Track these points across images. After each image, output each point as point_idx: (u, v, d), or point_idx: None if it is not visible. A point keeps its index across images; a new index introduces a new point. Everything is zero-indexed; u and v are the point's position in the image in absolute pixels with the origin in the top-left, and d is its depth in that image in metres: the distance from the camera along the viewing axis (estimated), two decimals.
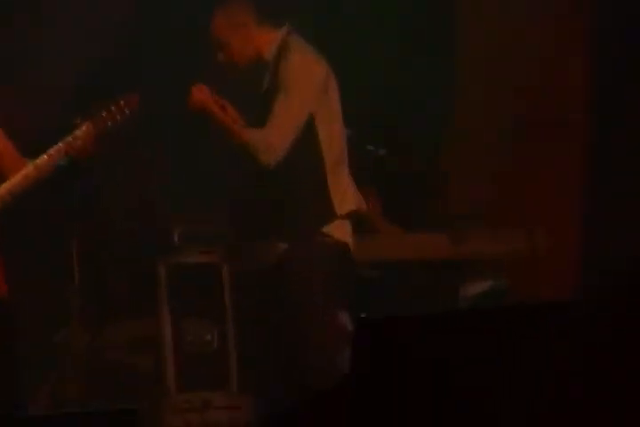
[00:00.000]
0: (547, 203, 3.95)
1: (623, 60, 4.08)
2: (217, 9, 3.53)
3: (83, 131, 3.26)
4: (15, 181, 3.20)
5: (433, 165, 4.39)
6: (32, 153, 3.20)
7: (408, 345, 2.03)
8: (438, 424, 2.01)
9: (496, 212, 3.94)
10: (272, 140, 3.35)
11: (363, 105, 4.14)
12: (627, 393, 2.06)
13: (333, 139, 3.45)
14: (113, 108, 3.33)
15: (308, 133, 3.40)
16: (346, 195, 3.44)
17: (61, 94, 3.78)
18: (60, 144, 3.25)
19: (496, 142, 4.12)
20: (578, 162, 4.02)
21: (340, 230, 3.40)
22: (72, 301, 3.51)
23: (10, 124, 3.14)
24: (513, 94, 4.09)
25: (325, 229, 3.37)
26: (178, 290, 3.76)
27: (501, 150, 4.11)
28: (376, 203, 4.03)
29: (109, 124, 3.32)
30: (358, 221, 3.51)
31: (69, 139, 3.25)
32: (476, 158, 4.32)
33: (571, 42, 4.20)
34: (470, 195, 4.22)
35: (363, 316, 1.95)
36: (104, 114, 3.31)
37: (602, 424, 2.08)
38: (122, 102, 3.36)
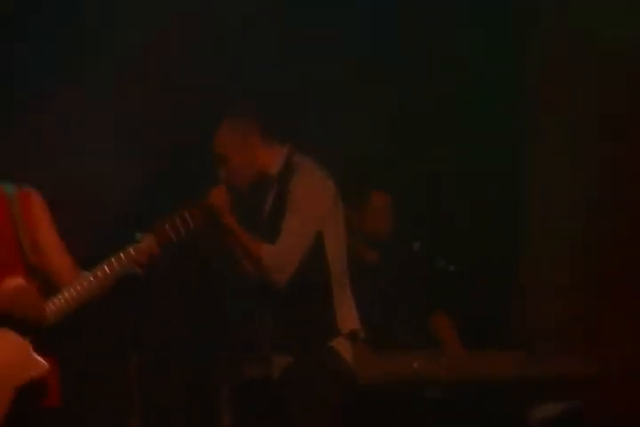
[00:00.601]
0: (624, 321, 3.79)
1: None
2: (222, 124, 3.58)
3: (145, 243, 3.28)
4: (75, 291, 3.23)
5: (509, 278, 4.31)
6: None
7: None
8: None
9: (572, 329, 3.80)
10: (284, 260, 3.41)
11: (433, 217, 4.12)
12: None
13: (337, 252, 3.49)
14: (178, 221, 3.35)
15: (317, 250, 3.45)
16: (349, 313, 3.46)
17: (119, 209, 3.86)
18: (122, 255, 3.27)
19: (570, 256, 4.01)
20: None
21: (344, 347, 3.41)
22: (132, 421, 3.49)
23: (68, 240, 3.19)
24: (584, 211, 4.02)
25: (330, 344, 3.39)
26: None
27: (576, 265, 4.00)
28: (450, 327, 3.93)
29: (173, 236, 3.34)
30: None
31: (131, 251, 3.27)
32: (552, 272, 4.21)
33: None
34: (545, 310, 4.09)
35: None
36: (167, 227, 3.34)
37: None
38: (186, 215, 3.39)
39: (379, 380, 3.65)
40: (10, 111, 4.04)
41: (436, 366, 3.50)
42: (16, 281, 3.18)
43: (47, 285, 3.23)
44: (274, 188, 3.54)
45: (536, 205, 4.15)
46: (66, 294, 3.20)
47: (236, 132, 3.61)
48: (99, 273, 3.23)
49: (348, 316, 3.45)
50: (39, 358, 3.13)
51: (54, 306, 3.18)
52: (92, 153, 3.88)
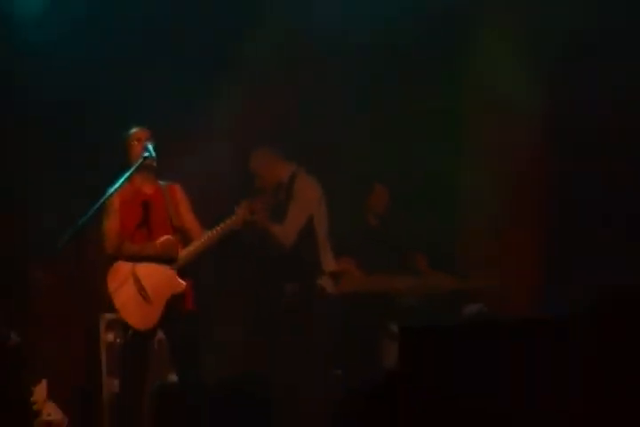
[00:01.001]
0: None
1: None
2: (257, 152, 5.91)
3: (239, 215, 5.44)
4: (199, 242, 5.40)
5: None
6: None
7: (443, 349, 2.71)
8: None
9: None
10: (288, 232, 5.74)
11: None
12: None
13: (321, 226, 5.87)
14: (256, 202, 5.48)
15: (309, 225, 5.80)
16: (330, 261, 5.85)
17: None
18: (226, 221, 5.44)
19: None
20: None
21: (327, 281, 5.80)
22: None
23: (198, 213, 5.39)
24: None
25: (319, 280, 5.76)
26: None
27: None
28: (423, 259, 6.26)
29: (251, 213, 5.47)
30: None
31: (231, 217, 5.45)
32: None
33: None
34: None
35: (406, 326, 2.94)
36: (249, 206, 5.47)
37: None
38: (259, 201, 5.53)
39: (364, 297, 5.97)
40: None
41: (412, 281, 5.84)
42: (165, 237, 5.37)
43: (184, 239, 5.43)
44: (284, 189, 5.90)
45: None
46: (195, 243, 5.40)
47: (266, 158, 5.92)
48: (213, 232, 5.44)
49: (329, 263, 5.80)
50: (180, 280, 5.31)
51: (186, 251, 5.40)
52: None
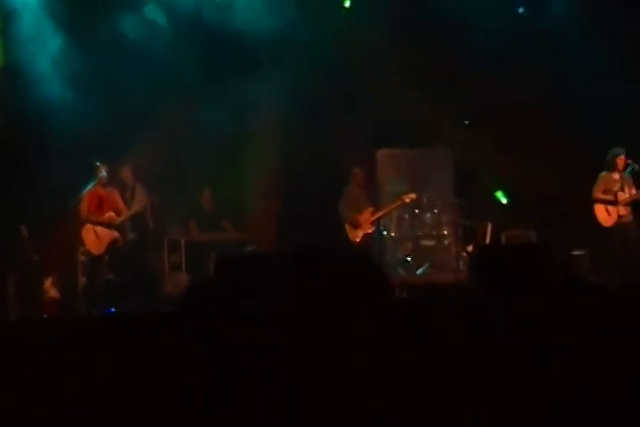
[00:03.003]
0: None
1: None
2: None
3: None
4: (123, 217, 11.78)
5: None
6: None
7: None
8: None
9: None
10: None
11: None
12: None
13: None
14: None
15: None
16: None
17: None
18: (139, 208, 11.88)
19: None
20: None
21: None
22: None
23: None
24: None
25: None
26: None
27: None
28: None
29: None
30: None
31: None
32: None
33: None
34: None
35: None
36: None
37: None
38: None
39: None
40: None
41: (221, 236, 12.39)
42: (109, 213, 11.72)
43: (118, 213, 11.79)
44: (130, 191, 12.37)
45: None
46: (122, 217, 11.80)
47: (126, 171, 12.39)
48: (130, 212, 11.84)
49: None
50: (115, 232, 11.64)
51: (120, 219, 11.78)
52: None
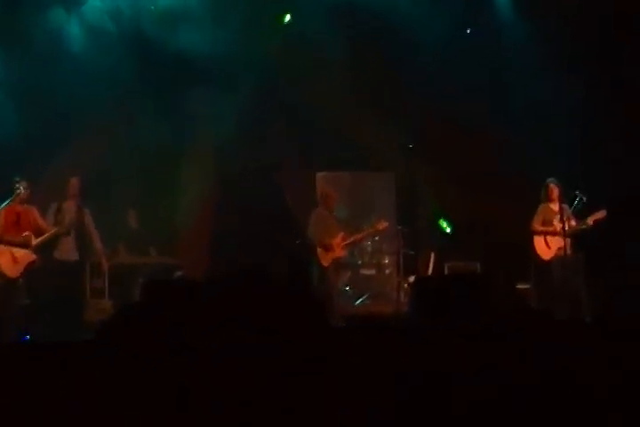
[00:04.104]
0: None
1: None
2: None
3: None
4: (47, 235, 10.98)
5: None
6: None
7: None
8: None
9: None
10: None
11: None
12: None
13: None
14: None
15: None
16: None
17: None
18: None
19: None
20: None
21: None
22: None
23: None
24: None
25: None
26: None
27: None
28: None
29: None
30: None
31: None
32: None
33: None
34: None
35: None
36: None
37: None
38: None
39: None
40: None
41: (151, 259, 11.64)
42: (26, 232, 10.93)
43: (38, 233, 10.99)
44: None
45: None
46: (45, 235, 11.02)
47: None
48: (57, 229, 11.07)
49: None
50: (33, 254, 10.87)
51: (40, 239, 10.99)
52: None
